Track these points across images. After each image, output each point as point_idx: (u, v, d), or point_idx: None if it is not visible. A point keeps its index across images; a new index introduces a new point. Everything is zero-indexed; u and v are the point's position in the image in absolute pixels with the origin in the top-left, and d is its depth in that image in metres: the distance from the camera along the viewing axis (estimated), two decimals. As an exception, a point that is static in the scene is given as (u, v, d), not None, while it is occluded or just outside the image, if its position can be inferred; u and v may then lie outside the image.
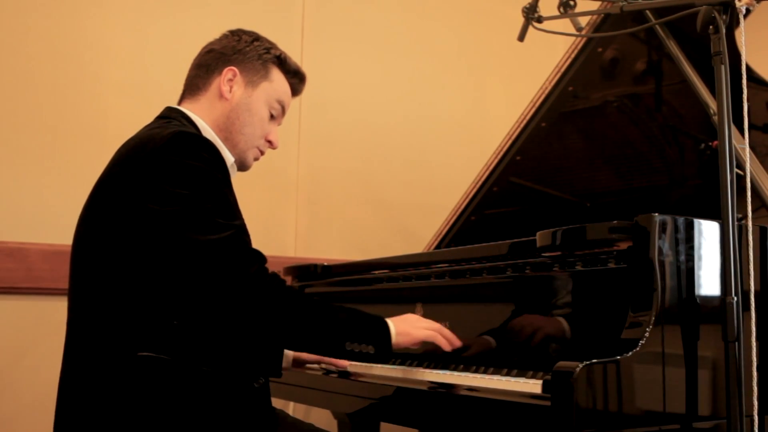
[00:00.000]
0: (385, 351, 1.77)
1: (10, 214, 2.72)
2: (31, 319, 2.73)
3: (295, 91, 2.02)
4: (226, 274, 1.60)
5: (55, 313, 2.68)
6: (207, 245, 1.60)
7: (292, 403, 3.02)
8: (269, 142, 1.97)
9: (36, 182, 2.78)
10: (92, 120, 2.88)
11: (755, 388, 1.55)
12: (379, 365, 2.07)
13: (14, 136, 2.75)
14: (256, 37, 1.96)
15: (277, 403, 2.13)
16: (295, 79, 2.00)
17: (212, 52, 1.93)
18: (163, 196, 1.61)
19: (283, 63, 1.97)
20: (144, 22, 3.01)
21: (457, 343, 1.89)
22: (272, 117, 1.96)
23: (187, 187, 1.62)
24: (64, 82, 2.84)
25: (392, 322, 1.80)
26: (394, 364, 2.08)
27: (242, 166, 1.95)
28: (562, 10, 1.94)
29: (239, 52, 1.92)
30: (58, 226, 2.71)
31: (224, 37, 1.96)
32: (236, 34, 1.95)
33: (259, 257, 1.68)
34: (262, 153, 1.98)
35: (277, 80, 1.96)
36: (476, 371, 1.85)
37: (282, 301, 1.66)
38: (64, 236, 2.67)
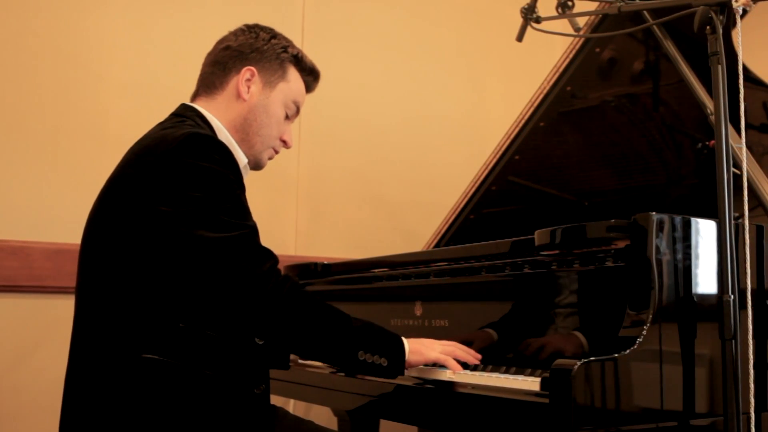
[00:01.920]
0: (399, 365, 1.74)
1: (13, 213, 2.73)
2: (33, 318, 2.74)
3: (309, 88, 2.01)
4: (236, 271, 1.59)
5: (57, 311, 2.70)
6: (217, 242, 1.58)
7: (292, 401, 3.03)
8: (283, 141, 1.97)
9: (38, 181, 2.78)
10: (94, 119, 2.89)
11: (752, 386, 1.56)
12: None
13: (17, 135, 2.76)
14: (273, 34, 1.94)
15: (277, 400, 2.14)
16: (311, 77, 2.00)
17: (229, 50, 1.90)
18: (175, 198, 1.60)
19: (299, 62, 1.96)
20: (145, 22, 3.02)
21: (473, 360, 1.86)
22: (287, 117, 1.95)
23: (199, 189, 1.61)
24: (66, 82, 2.85)
25: (406, 340, 1.78)
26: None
27: (257, 166, 1.95)
28: (560, 10, 1.95)
29: (257, 50, 1.90)
30: (60, 225, 2.74)
31: (241, 32, 1.93)
32: (253, 31, 1.93)
33: (272, 257, 1.66)
34: (276, 152, 1.97)
35: (294, 80, 1.95)
36: (475, 369, 1.86)
37: (293, 303, 1.63)
38: (67, 235, 2.71)
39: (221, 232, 1.59)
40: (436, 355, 1.80)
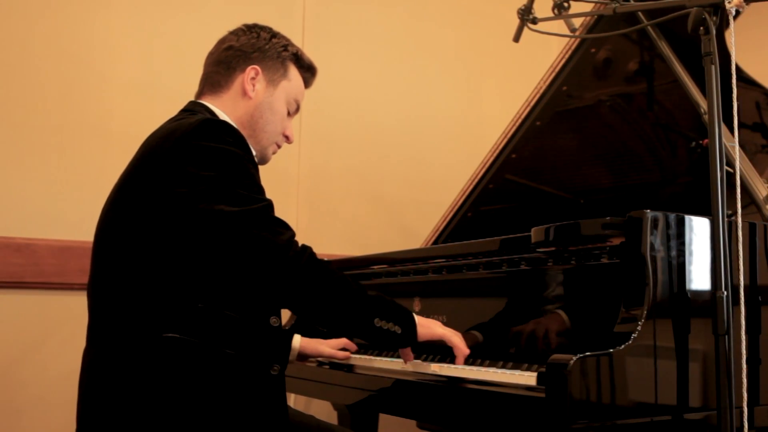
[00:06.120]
0: (411, 334, 1.80)
1: (18, 210, 2.73)
2: (38, 314, 2.74)
3: (307, 84, 2.08)
4: (257, 242, 1.63)
5: (62, 307, 2.72)
6: (237, 216, 1.63)
7: (293, 395, 3.05)
8: (286, 137, 2.02)
9: (43, 179, 2.79)
10: (98, 118, 2.90)
11: (744, 381, 1.57)
12: (379, 358, 2.10)
13: (22, 133, 2.77)
14: (273, 34, 2.00)
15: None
16: (309, 73, 2.06)
17: (231, 50, 1.95)
18: (191, 179, 1.65)
19: (299, 60, 2.02)
20: (149, 22, 3.02)
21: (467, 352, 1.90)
22: (288, 113, 2.01)
23: (214, 168, 1.66)
24: (70, 81, 2.86)
25: (414, 315, 1.84)
26: (392, 356, 2.11)
27: (262, 160, 1.99)
28: (556, 11, 1.96)
29: (259, 50, 1.95)
30: (65, 222, 2.75)
31: (242, 32, 1.99)
32: (254, 30, 1.99)
33: (289, 228, 1.71)
34: (279, 147, 2.03)
35: (294, 78, 2.01)
36: (473, 364, 1.87)
37: (313, 271, 1.68)
38: (72, 232, 2.74)
39: (240, 206, 1.64)
40: (442, 331, 1.86)
